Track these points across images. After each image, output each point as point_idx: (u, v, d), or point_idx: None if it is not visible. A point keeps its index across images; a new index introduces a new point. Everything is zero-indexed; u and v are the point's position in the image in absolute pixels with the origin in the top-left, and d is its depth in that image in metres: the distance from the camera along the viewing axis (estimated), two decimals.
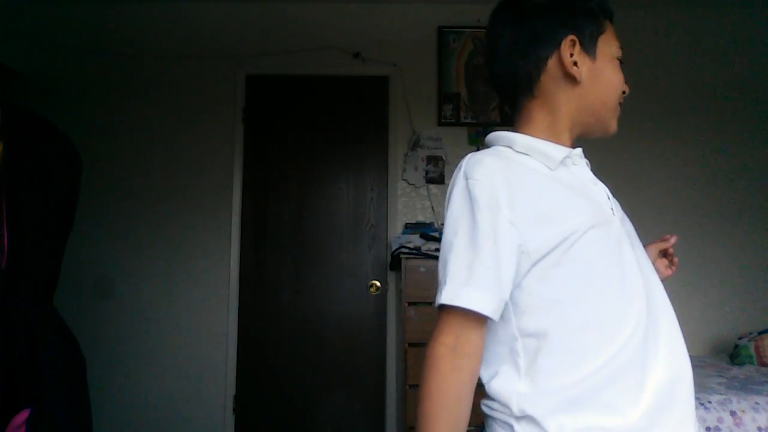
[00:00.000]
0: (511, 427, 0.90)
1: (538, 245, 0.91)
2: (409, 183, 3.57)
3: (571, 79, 1.03)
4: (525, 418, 0.89)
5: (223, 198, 3.58)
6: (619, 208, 1.07)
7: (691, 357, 3.07)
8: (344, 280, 3.54)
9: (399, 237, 3.31)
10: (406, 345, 2.99)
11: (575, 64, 1.02)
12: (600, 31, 1.04)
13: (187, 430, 3.47)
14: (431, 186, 3.56)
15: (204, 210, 3.58)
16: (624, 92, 1.08)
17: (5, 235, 1.53)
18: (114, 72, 3.62)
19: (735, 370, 2.84)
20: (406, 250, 3.09)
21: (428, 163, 3.56)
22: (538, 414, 0.88)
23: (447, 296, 0.89)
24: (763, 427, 2.13)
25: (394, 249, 3.24)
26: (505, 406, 0.91)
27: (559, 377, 0.89)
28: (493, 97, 3.61)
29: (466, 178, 0.94)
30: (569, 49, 1.01)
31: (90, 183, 3.25)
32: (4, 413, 1.49)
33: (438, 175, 3.55)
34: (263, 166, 3.61)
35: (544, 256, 0.91)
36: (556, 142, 1.02)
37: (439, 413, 0.88)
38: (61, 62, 3.61)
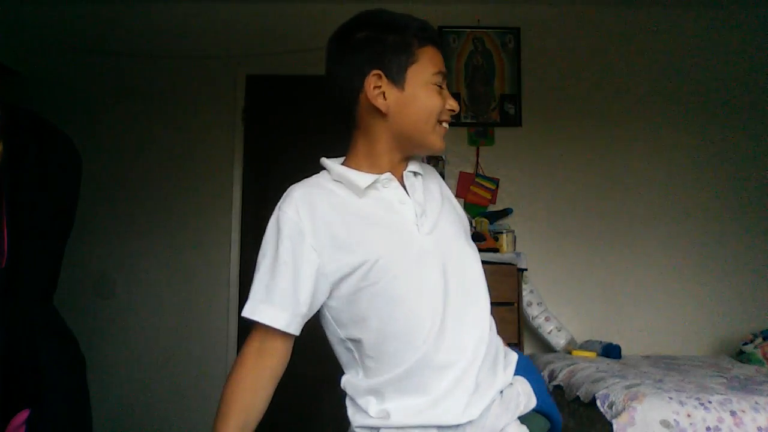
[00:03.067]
0: (349, 404, 1.19)
1: (335, 269, 1.09)
2: None
3: (379, 111, 1.15)
4: (347, 396, 1.18)
5: (223, 197, 3.58)
6: (435, 216, 1.18)
7: (692, 357, 3.03)
8: None
9: None
10: None
11: (384, 96, 1.14)
12: (410, 62, 1.14)
13: (188, 429, 3.47)
14: None
15: (204, 209, 3.58)
16: (452, 110, 1.17)
17: (5, 235, 1.53)
18: (114, 72, 3.62)
19: (735, 370, 2.84)
20: None
21: (427, 163, 3.55)
22: (353, 394, 1.17)
23: (247, 310, 1.11)
24: (763, 427, 2.13)
25: None
26: (344, 390, 1.19)
27: (381, 375, 1.10)
28: (494, 97, 3.61)
29: (278, 209, 1.14)
30: (373, 83, 1.13)
31: (90, 183, 3.25)
32: (4, 413, 1.49)
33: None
34: (263, 166, 3.61)
35: (342, 279, 1.09)
36: (368, 171, 1.16)
37: (235, 399, 1.12)
38: (60, 62, 3.61)
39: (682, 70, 3.69)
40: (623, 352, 3.15)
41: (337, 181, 1.17)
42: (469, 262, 1.19)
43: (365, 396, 1.13)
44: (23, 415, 1.52)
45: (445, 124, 1.18)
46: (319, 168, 1.24)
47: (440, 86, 1.17)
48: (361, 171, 1.16)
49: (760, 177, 3.62)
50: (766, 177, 3.62)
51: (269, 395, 1.14)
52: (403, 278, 1.09)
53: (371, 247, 1.09)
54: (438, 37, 1.21)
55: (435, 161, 3.56)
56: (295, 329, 1.12)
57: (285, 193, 1.17)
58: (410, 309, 1.09)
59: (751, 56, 3.69)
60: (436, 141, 1.17)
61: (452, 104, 1.17)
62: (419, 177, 1.22)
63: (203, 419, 3.47)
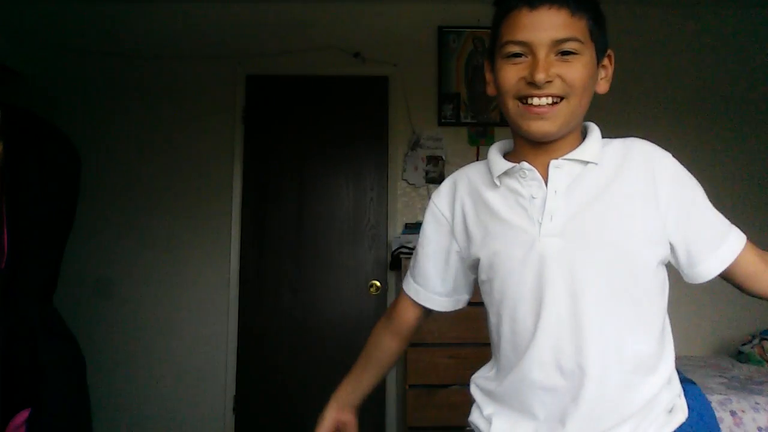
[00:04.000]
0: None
1: (468, 255, 1.16)
2: (408, 183, 3.57)
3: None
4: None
5: (223, 197, 3.58)
6: (571, 215, 1.03)
7: (692, 357, 3.05)
8: (344, 279, 3.54)
9: (399, 237, 3.31)
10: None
11: (492, 83, 1.12)
12: (495, 38, 1.07)
13: (188, 428, 3.47)
14: (431, 186, 3.55)
15: (204, 210, 3.58)
16: (533, 82, 0.99)
17: (5, 235, 1.53)
18: (114, 72, 3.62)
19: (736, 371, 2.84)
20: (406, 250, 3.09)
21: (428, 163, 3.56)
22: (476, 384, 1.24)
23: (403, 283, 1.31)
24: (763, 427, 2.13)
25: (394, 249, 3.24)
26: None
27: (498, 378, 1.14)
28: (493, 97, 3.60)
29: (431, 200, 1.23)
30: (487, 70, 1.13)
31: (90, 183, 3.26)
32: (4, 413, 1.49)
33: (438, 175, 3.54)
34: (263, 166, 3.61)
35: (473, 266, 1.16)
36: (512, 158, 1.12)
37: (365, 347, 1.35)
38: (60, 62, 3.61)
39: (683, 70, 3.68)
40: None
41: (489, 163, 1.15)
42: (618, 269, 1.01)
43: (485, 394, 1.17)
44: (23, 415, 1.52)
45: (534, 101, 1.00)
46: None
47: (517, 56, 1.01)
48: (507, 158, 1.11)
49: (762, 176, 3.62)
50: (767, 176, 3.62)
51: (394, 350, 1.33)
52: (510, 280, 1.06)
53: (491, 242, 1.09)
54: None
55: (435, 161, 3.56)
56: (431, 304, 1.25)
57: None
58: (512, 315, 1.06)
59: (748, 55, 3.69)
60: (524, 124, 1.02)
61: (528, 74, 0.99)
62: (588, 167, 1.05)
63: (203, 418, 3.48)
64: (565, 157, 1.05)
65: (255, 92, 3.63)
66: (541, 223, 1.03)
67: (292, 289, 3.55)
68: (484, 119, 3.61)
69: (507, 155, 1.14)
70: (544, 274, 1.02)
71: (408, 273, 1.28)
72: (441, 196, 1.20)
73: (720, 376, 2.67)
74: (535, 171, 1.05)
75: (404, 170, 3.57)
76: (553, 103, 1.00)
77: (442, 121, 3.61)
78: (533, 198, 1.05)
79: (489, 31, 1.09)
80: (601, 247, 1.01)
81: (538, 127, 1.00)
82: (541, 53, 0.98)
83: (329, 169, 3.59)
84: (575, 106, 1.01)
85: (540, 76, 0.97)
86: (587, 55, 1.01)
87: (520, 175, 1.07)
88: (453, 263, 1.20)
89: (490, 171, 1.12)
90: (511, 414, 1.09)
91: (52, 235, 1.70)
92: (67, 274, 1.87)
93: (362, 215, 3.59)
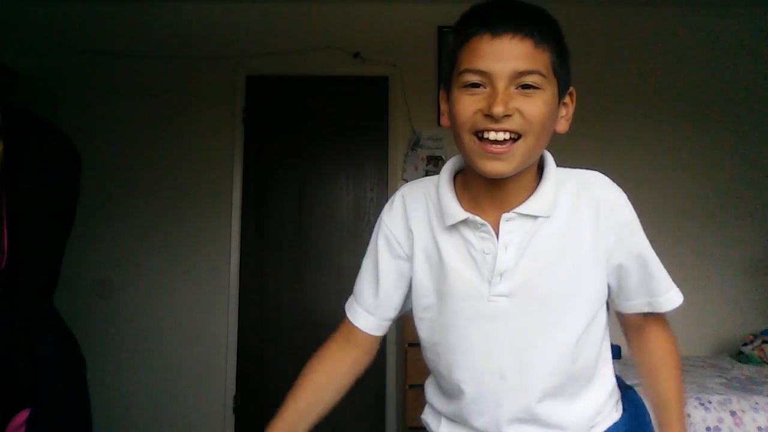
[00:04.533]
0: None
1: (412, 282, 1.13)
2: None
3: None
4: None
5: (224, 198, 3.59)
6: (525, 275, 1.01)
7: (691, 357, 3.05)
8: (344, 279, 3.54)
9: None
10: (406, 345, 2.99)
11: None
12: (453, 68, 0.99)
13: (188, 428, 3.47)
14: None
15: (204, 210, 3.58)
16: (491, 115, 0.92)
17: (5, 235, 1.53)
18: (113, 72, 3.63)
19: (735, 371, 2.84)
20: None
21: (428, 163, 3.56)
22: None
23: (346, 303, 1.24)
24: (763, 427, 2.13)
25: None
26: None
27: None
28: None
29: (383, 210, 1.18)
30: (442, 100, 1.05)
31: (89, 183, 3.27)
32: (4, 413, 1.49)
33: None
34: (263, 167, 3.61)
35: (413, 293, 1.14)
36: (467, 199, 1.06)
37: (310, 377, 1.18)
38: (59, 62, 3.61)
39: (681, 71, 3.68)
40: (623, 353, 3.15)
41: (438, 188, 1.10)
42: (565, 331, 1.03)
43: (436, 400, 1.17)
44: (23, 415, 1.52)
45: (491, 135, 0.93)
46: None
47: (475, 86, 0.94)
48: (458, 188, 1.07)
49: (762, 176, 3.62)
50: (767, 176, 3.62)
51: (344, 385, 1.18)
52: (453, 329, 1.06)
53: (440, 287, 1.07)
54: (494, 19, 0.94)
55: (435, 161, 3.56)
56: (378, 331, 1.19)
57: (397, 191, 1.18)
58: (451, 360, 1.07)
59: (746, 57, 3.69)
60: (479, 162, 0.96)
61: (486, 106, 0.93)
62: (537, 221, 1.02)
63: (204, 417, 3.48)
64: (517, 210, 1.01)
65: (255, 93, 3.63)
66: (491, 282, 1.02)
67: (292, 289, 3.55)
68: None
69: (459, 182, 1.08)
70: (490, 332, 1.03)
71: (352, 295, 1.21)
72: (394, 219, 1.13)
73: (720, 376, 2.67)
74: (488, 226, 1.01)
75: (404, 170, 3.57)
76: (511, 141, 0.94)
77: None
78: (485, 253, 1.02)
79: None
80: (550, 311, 1.01)
81: (493, 167, 0.95)
82: (501, 85, 0.92)
83: (329, 169, 3.59)
84: (532, 145, 0.95)
85: (498, 109, 0.91)
86: (549, 91, 0.95)
87: (473, 226, 1.03)
88: (399, 285, 1.15)
89: (441, 208, 1.06)
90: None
91: (52, 235, 1.70)
92: (66, 274, 1.87)
93: (362, 215, 3.59)
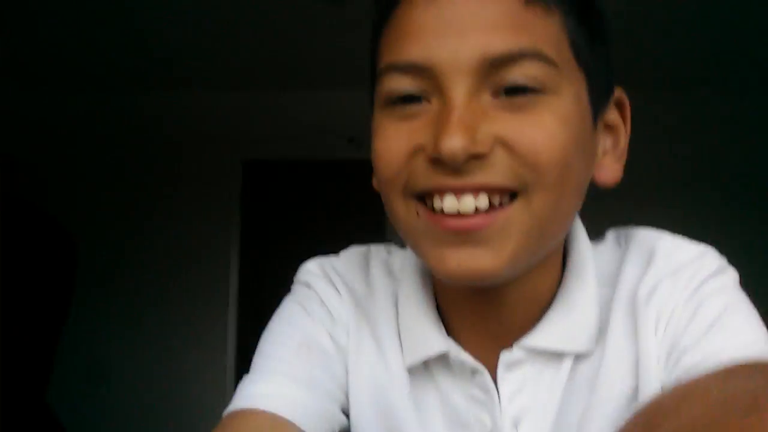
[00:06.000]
0: None
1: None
2: None
3: None
4: None
5: (219, 286, 3.53)
6: None
7: None
8: None
9: None
10: None
11: None
12: (373, 72, 0.54)
13: None
14: None
15: (199, 297, 3.51)
16: (440, 158, 0.46)
17: None
18: (107, 156, 3.62)
19: None
20: None
21: None
22: None
23: None
24: None
25: None
26: None
27: None
28: None
29: (315, 290, 0.66)
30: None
31: (81, 267, 3.21)
32: None
33: None
34: (260, 253, 3.58)
35: None
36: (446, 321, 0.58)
37: None
38: (52, 147, 3.62)
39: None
40: None
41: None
42: None
43: None
44: None
45: (446, 202, 0.47)
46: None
47: (410, 101, 0.49)
48: (437, 317, 0.57)
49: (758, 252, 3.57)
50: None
51: None
52: None
53: None
54: None
55: None
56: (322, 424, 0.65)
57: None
58: None
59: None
60: (432, 254, 0.49)
61: (431, 140, 0.47)
62: (567, 362, 0.54)
63: None
64: (526, 342, 0.53)
65: (252, 178, 3.63)
66: None
67: None
68: None
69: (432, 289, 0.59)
70: None
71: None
72: (332, 296, 0.62)
73: None
74: (485, 374, 0.53)
75: None
76: (496, 206, 0.47)
77: None
78: (481, 423, 0.54)
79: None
80: None
81: (462, 262, 0.47)
82: (459, 89, 0.46)
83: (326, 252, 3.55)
84: (547, 208, 0.48)
85: (453, 143, 0.44)
86: (567, 96, 0.48)
87: (457, 370, 0.55)
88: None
89: (400, 326, 0.58)
90: None
91: (46, 327, 1.66)
92: (58, 360, 1.80)
93: None
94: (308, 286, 0.64)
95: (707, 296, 0.51)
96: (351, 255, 0.66)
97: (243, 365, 3.23)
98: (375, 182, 0.55)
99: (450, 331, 0.56)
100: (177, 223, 3.58)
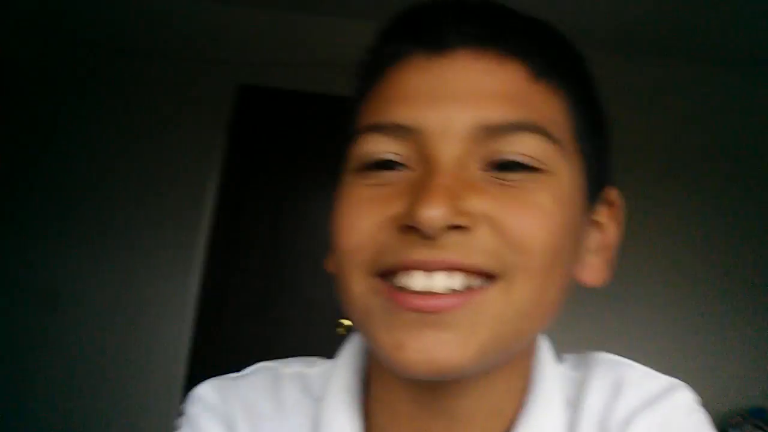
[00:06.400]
0: None
1: None
2: None
3: None
4: None
5: (192, 214, 3.27)
6: None
7: None
8: (312, 316, 3.25)
9: None
10: None
11: None
12: (347, 135, 0.51)
13: None
14: None
15: (169, 224, 3.26)
16: (417, 226, 0.40)
17: None
18: (85, 64, 3.29)
19: None
20: None
21: None
22: None
23: None
24: None
25: None
26: None
27: None
28: None
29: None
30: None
31: (38, 187, 2.92)
32: None
33: None
34: (240, 186, 3.33)
35: None
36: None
37: None
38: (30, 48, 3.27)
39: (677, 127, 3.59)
40: None
41: None
42: None
43: None
44: None
45: (414, 280, 0.42)
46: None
47: (386, 167, 0.46)
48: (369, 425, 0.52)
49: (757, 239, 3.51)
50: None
51: None
52: None
53: None
54: (437, 24, 0.46)
55: None
56: None
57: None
58: None
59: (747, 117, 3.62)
60: (386, 338, 0.43)
61: (407, 208, 0.42)
62: None
63: None
64: None
65: (244, 103, 3.35)
66: None
67: (256, 321, 3.25)
68: None
69: (370, 395, 0.53)
70: None
71: None
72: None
73: None
74: None
75: None
76: (472, 288, 0.42)
77: None
78: None
79: None
80: None
81: (424, 348, 0.41)
82: (447, 156, 0.42)
83: (312, 196, 3.33)
84: (528, 296, 0.43)
85: (433, 211, 0.39)
86: (565, 179, 0.45)
87: None
88: None
89: None
90: None
91: None
92: (8, 285, 1.57)
93: None
94: (190, 421, 0.56)
95: None
96: (257, 373, 0.60)
97: (207, 297, 3.01)
98: (329, 263, 0.51)
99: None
100: (152, 143, 3.29)
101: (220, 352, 3.21)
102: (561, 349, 0.57)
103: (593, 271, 0.50)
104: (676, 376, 0.55)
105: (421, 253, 0.41)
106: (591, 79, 0.50)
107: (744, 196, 3.51)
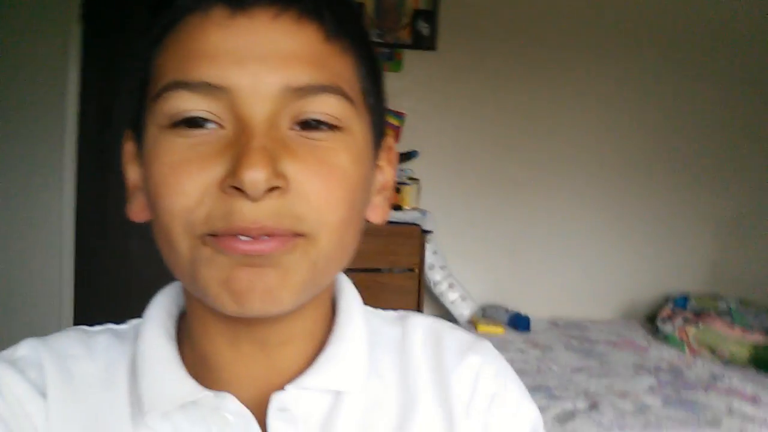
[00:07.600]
0: None
1: None
2: None
3: None
4: None
5: (54, 119, 2.80)
6: None
7: (601, 324, 2.53)
8: None
9: None
10: None
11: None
12: (144, 88, 0.50)
13: None
14: None
15: (29, 132, 2.77)
16: (238, 185, 0.44)
17: None
18: None
19: (653, 351, 2.54)
20: None
21: None
22: None
23: None
24: None
25: None
26: None
27: None
28: (404, 12, 2.96)
29: None
30: (128, 157, 0.57)
31: None
32: None
33: None
34: (108, 80, 2.85)
35: None
36: (199, 364, 0.54)
37: None
38: None
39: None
40: (529, 314, 2.83)
41: None
42: None
43: None
44: None
45: (240, 241, 0.45)
46: None
47: (196, 125, 0.46)
48: (186, 361, 0.53)
49: (693, 128, 3.25)
50: (698, 133, 3.26)
51: None
52: None
53: None
54: None
55: None
56: None
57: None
58: None
59: None
60: (210, 277, 0.46)
61: (230, 169, 0.44)
62: (341, 400, 0.54)
63: None
64: (301, 381, 0.52)
65: None
66: None
67: (144, 236, 2.87)
68: (391, 39, 2.96)
69: (182, 337, 0.56)
70: None
71: None
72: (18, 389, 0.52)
73: (643, 368, 2.32)
74: (250, 417, 0.50)
75: None
76: (287, 236, 0.45)
77: None
78: None
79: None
80: None
81: (252, 283, 0.45)
82: (259, 116, 0.45)
83: None
84: (332, 243, 0.48)
85: (256, 174, 0.42)
86: (359, 134, 0.50)
87: (212, 417, 0.50)
88: None
89: (138, 377, 0.52)
90: None
91: None
92: None
93: None
94: None
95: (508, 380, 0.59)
96: (68, 331, 0.58)
97: (82, 218, 2.57)
98: (137, 207, 0.54)
99: (215, 381, 0.52)
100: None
101: (107, 271, 2.92)
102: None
103: (379, 210, 0.56)
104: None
105: (245, 219, 0.44)
106: (369, 34, 0.55)
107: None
